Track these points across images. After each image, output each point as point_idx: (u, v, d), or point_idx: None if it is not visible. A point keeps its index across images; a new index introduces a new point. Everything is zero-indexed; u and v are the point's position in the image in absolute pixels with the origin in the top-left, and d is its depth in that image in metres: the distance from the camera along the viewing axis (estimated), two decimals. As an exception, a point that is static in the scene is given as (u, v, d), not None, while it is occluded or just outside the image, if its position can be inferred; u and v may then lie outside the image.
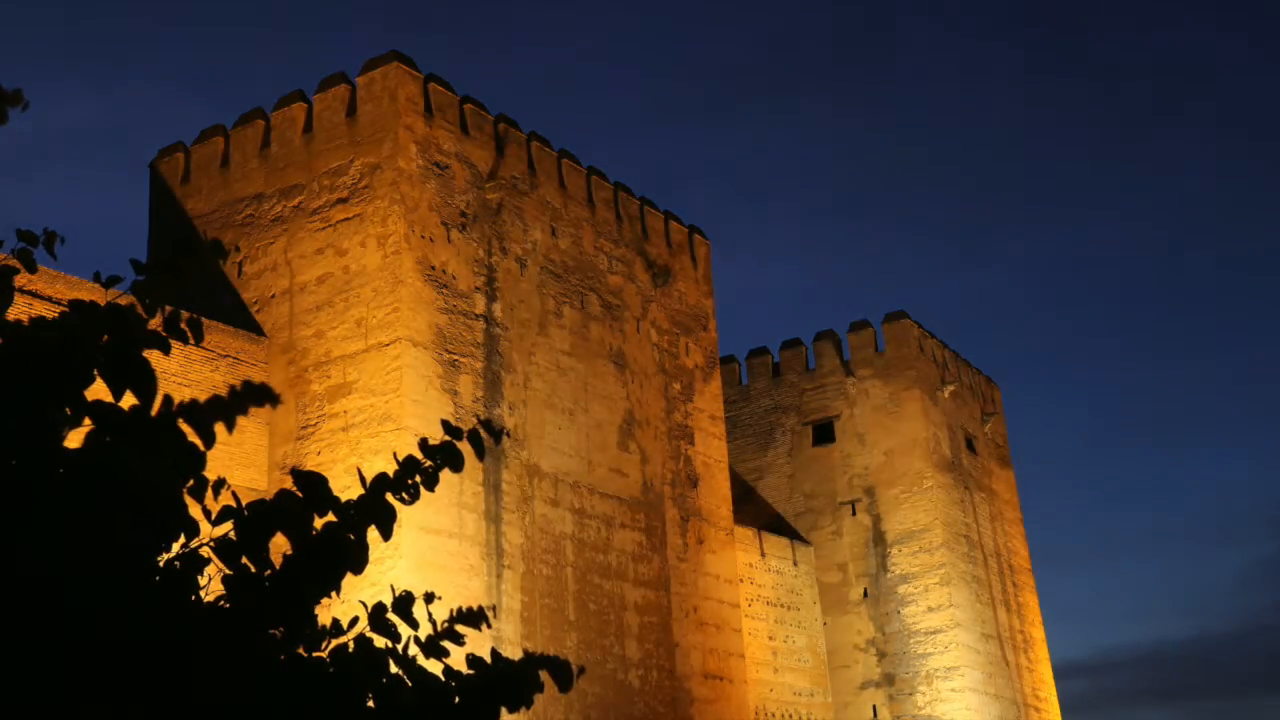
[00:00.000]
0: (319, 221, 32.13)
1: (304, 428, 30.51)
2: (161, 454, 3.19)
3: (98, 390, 3.11)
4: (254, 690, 3.16)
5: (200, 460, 3.26)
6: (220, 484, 3.36)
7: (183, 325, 3.38)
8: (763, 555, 44.93)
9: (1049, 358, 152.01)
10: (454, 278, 32.00)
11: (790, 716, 43.81)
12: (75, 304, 3.21)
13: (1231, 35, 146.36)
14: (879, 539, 47.19)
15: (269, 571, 3.34)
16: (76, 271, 26.35)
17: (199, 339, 3.42)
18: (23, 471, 3.02)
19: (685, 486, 38.14)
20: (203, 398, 3.40)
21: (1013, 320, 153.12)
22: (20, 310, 24.60)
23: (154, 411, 3.23)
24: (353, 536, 3.45)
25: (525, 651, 3.74)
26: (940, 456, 48.14)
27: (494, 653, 3.58)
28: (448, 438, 3.67)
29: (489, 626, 3.81)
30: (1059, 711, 51.94)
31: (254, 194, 33.50)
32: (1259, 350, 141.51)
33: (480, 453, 3.88)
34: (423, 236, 31.44)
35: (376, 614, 3.66)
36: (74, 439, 3.18)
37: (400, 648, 3.54)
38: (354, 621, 3.70)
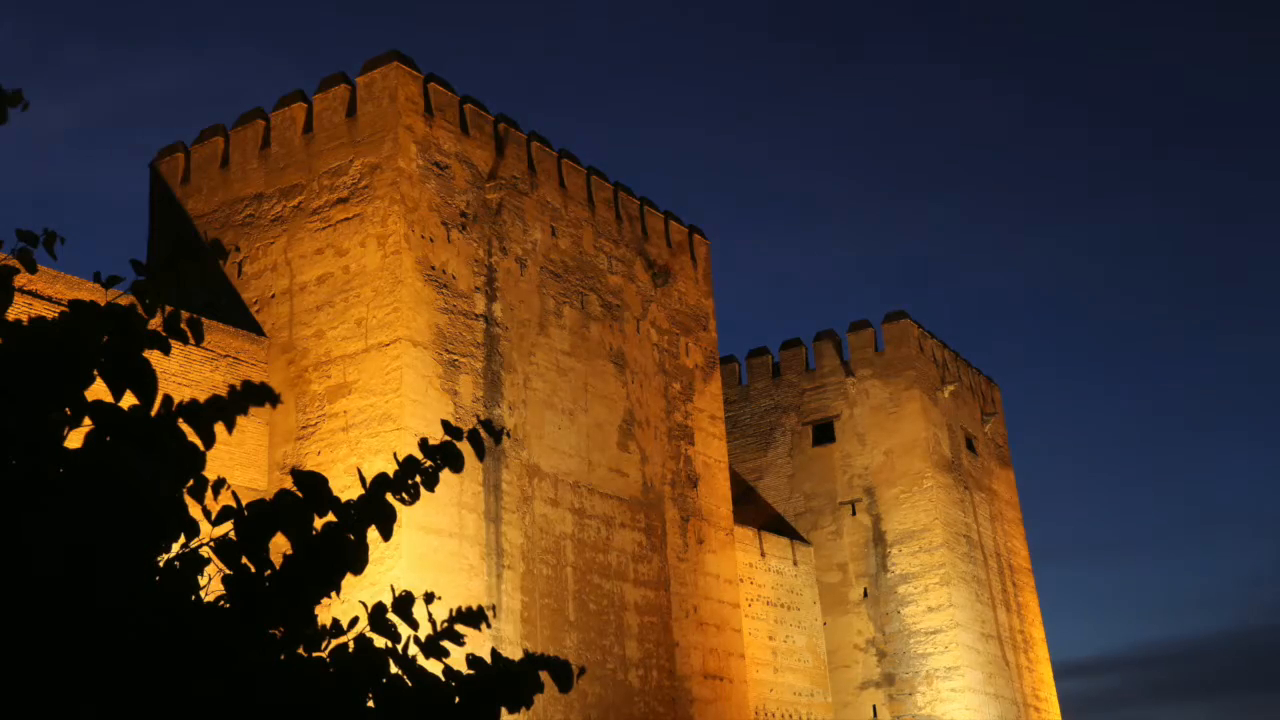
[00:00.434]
0: (319, 221, 32.14)
1: (304, 428, 30.51)
2: (161, 454, 3.19)
3: (98, 390, 3.11)
4: (254, 690, 3.16)
5: (200, 460, 3.26)
6: (220, 484, 3.36)
7: (183, 325, 3.38)
8: (763, 555, 44.93)
9: (1049, 358, 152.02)
10: (454, 278, 32.00)
11: (790, 716, 43.80)
12: (75, 304, 3.21)
13: (1233, 34, 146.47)
14: (879, 539, 47.19)
15: (269, 571, 3.34)
16: (88, 269, 26.36)
17: (199, 339, 3.42)
18: (23, 471, 3.02)
19: (685, 486, 38.14)
20: (203, 398, 3.41)
21: (1013, 320, 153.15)
22: (20, 310, 24.61)
23: (154, 411, 3.23)
24: (353, 537, 3.45)
25: (525, 651, 3.75)
26: (940, 456, 48.15)
27: (494, 653, 3.58)
28: (448, 438, 3.67)
29: (489, 626, 3.81)
30: (1059, 711, 51.95)
31: (254, 194, 33.50)
32: (1259, 347, 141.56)
33: (480, 453, 3.88)
34: (423, 236, 31.44)
35: (376, 614, 3.66)
36: (74, 439, 3.18)
37: (400, 648, 3.55)
38: (354, 621, 3.70)
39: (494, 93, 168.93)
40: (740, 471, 49.50)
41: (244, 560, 3.33)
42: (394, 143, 31.63)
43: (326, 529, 3.43)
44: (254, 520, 3.35)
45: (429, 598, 3.84)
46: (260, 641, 3.25)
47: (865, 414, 48.72)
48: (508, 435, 32.14)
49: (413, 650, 3.61)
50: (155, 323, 3.36)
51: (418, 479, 3.62)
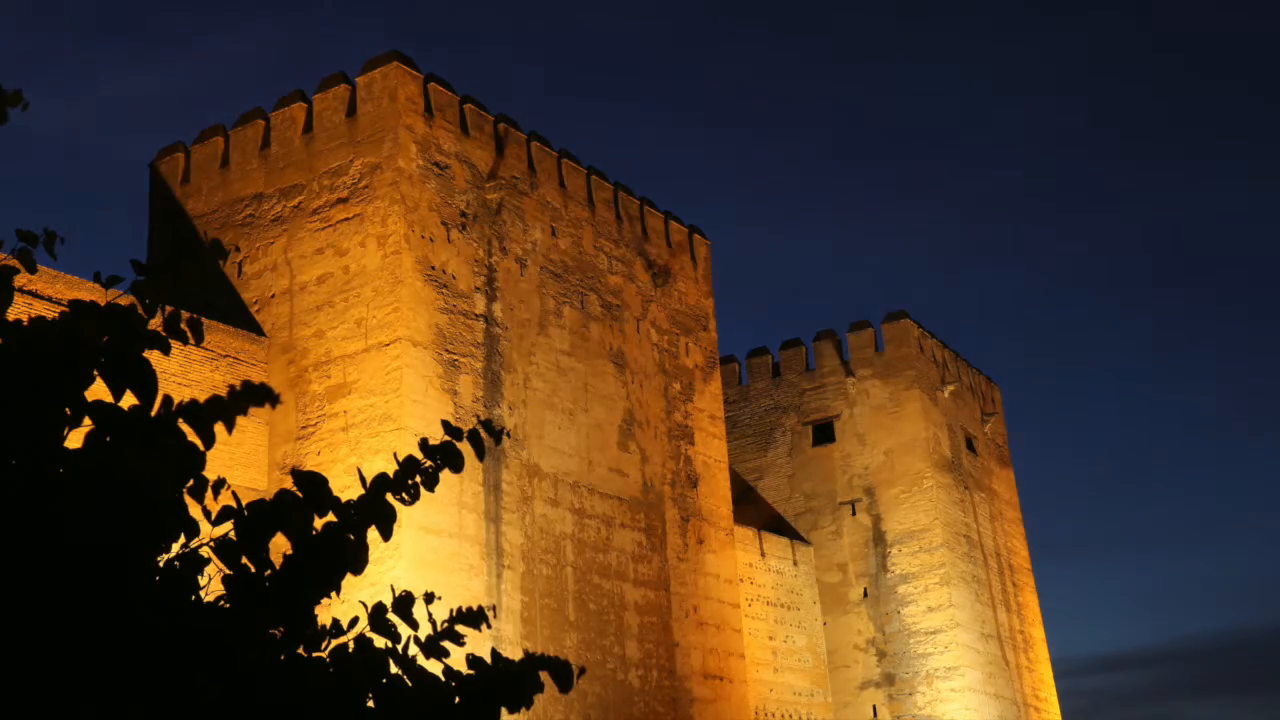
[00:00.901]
0: (319, 221, 32.14)
1: (304, 428, 30.52)
2: (161, 454, 3.19)
3: (98, 390, 3.11)
4: (254, 690, 3.16)
5: (200, 460, 3.26)
6: (220, 484, 3.37)
7: (183, 325, 3.38)
8: (763, 555, 44.94)
9: (1049, 358, 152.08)
10: (454, 278, 32.00)
11: (790, 716, 43.81)
12: (75, 304, 3.21)
13: (1233, 33, 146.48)
14: (879, 539, 47.20)
15: (269, 571, 3.34)
16: (84, 270, 26.37)
17: (199, 339, 3.42)
18: (23, 471, 3.02)
19: (685, 486, 38.15)
20: (203, 398, 3.41)
21: (1013, 320, 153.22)
22: (20, 310, 24.61)
23: (154, 412, 3.23)
24: (353, 537, 3.45)
25: (525, 651, 3.75)
26: (940, 456, 48.16)
27: (494, 653, 3.58)
28: (448, 438, 3.67)
29: (489, 627, 3.82)
30: (1059, 711, 51.96)
31: (254, 194, 33.51)
32: (1260, 347, 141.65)
33: (480, 453, 3.88)
34: (423, 236, 31.45)
35: (376, 614, 3.66)
36: (74, 439, 3.18)
37: (400, 648, 3.55)
38: (354, 621, 3.70)
39: (494, 93, 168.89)
40: (740, 471, 49.51)
41: (244, 560, 3.33)
42: (394, 143, 31.64)
43: (326, 529, 3.43)
44: (254, 520, 3.35)
45: (429, 598, 3.84)
46: (260, 641, 3.25)
47: (865, 414, 48.73)
48: (508, 435, 32.01)
49: (413, 650, 3.61)
50: (155, 323, 3.36)
51: (418, 479, 3.62)
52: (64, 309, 3.25)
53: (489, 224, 33.54)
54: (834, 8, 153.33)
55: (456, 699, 3.47)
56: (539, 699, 29.07)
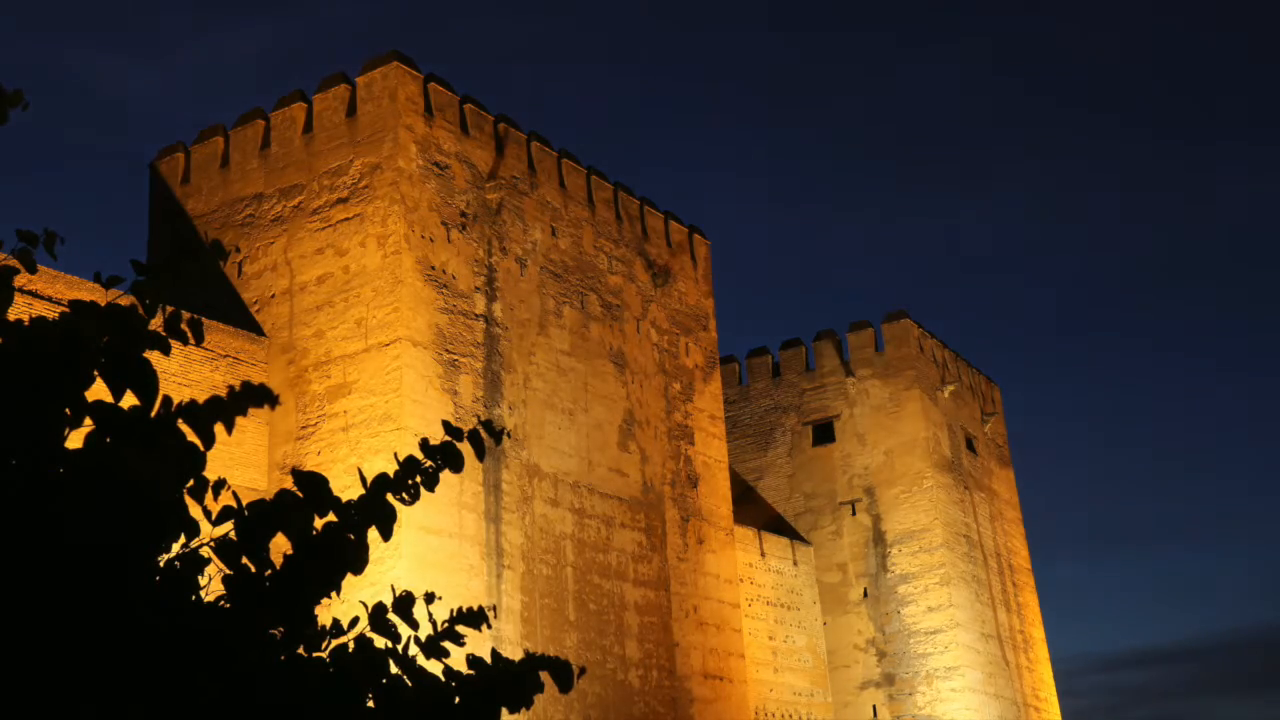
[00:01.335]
0: (319, 221, 32.14)
1: (304, 428, 30.52)
2: (161, 454, 3.19)
3: (98, 390, 3.11)
4: (254, 690, 3.16)
5: (200, 460, 3.26)
6: (220, 484, 3.37)
7: (183, 325, 3.38)
8: (763, 555, 44.94)
9: (1049, 358, 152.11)
10: (454, 278, 32.01)
11: (790, 716, 43.81)
12: (75, 304, 3.21)
13: (1236, 34, 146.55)
14: (879, 539, 47.20)
15: (269, 571, 3.34)
16: (84, 270, 26.37)
17: (199, 339, 3.42)
18: (23, 471, 3.02)
19: (685, 486, 38.15)
20: (202, 398, 3.41)
21: (1013, 320, 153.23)
22: (20, 310, 24.61)
23: (154, 412, 3.23)
24: (353, 536, 3.45)
25: (525, 651, 3.75)
26: (940, 456, 48.16)
27: (494, 653, 3.58)
28: (448, 438, 3.67)
29: (489, 627, 3.82)
30: (1059, 711, 51.96)
31: (254, 194, 33.51)
32: (1260, 347, 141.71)
33: (480, 453, 3.88)
34: (423, 236, 31.45)
35: (376, 614, 3.66)
36: (74, 439, 3.18)
37: (400, 648, 3.55)
38: (354, 621, 3.71)
39: (494, 93, 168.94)
40: (740, 471, 49.51)
41: (244, 560, 3.33)
42: (394, 143, 31.64)
43: (326, 529, 3.43)
44: (254, 520, 3.35)
45: (429, 598, 3.84)
46: (260, 641, 3.25)
47: (865, 414, 48.73)
48: (508, 435, 32.08)
49: (413, 650, 3.61)
50: (155, 323, 3.36)
51: (418, 479, 3.62)
52: (64, 309, 3.26)
53: (489, 224, 33.53)
54: (833, 5, 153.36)
55: (456, 699, 3.47)
56: (539, 699, 29.07)
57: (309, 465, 29.93)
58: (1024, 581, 52.45)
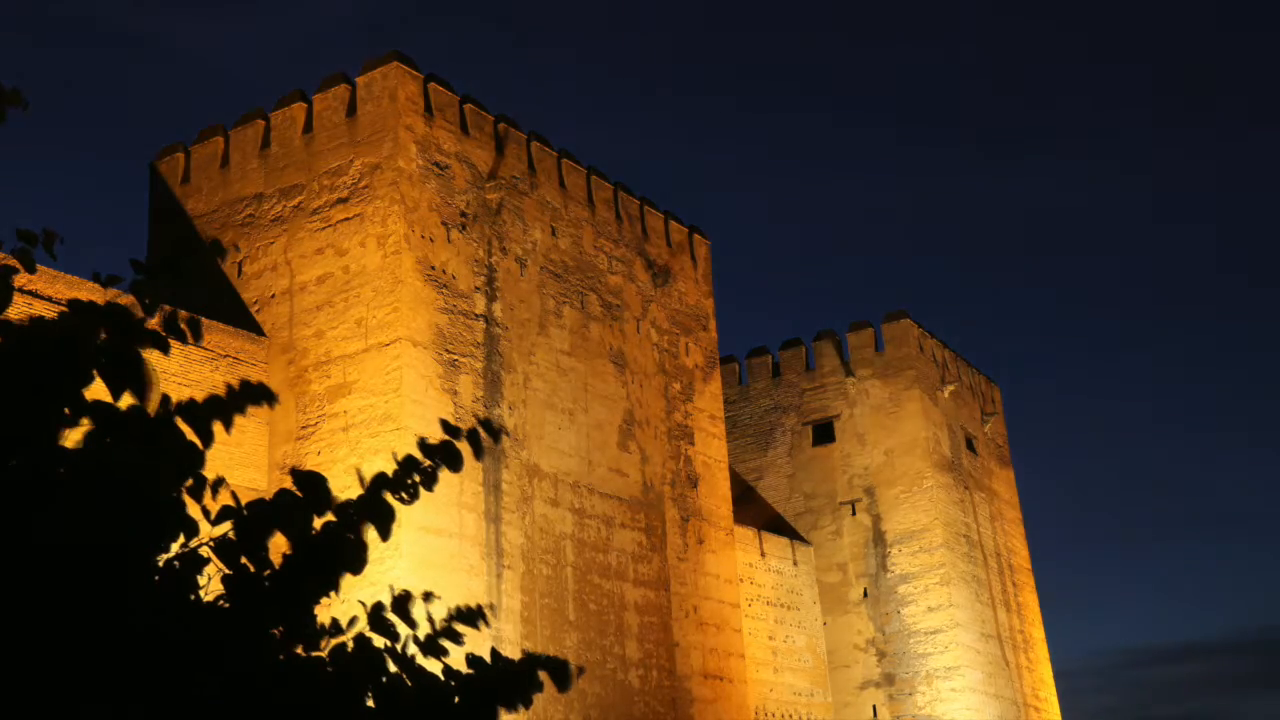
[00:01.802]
0: (319, 221, 32.13)
1: (304, 428, 30.51)
2: (161, 454, 3.19)
3: (97, 390, 3.11)
4: (254, 690, 3.16)
5: (199, 460, 3.26)
6: (220, 484, 3.37)
7: (182, 325, 3.38)
8: (763, 555, 44.93)
9: (1049, 358, 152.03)
10: (454, 278, 32.00)
11: (790, 716, 43.80)
12: (75, 304, 3.21)
13: (1235, 34, 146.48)
14: (879, 539, 47.19)
15: (269, 571, 3.35)
16: (84, 270, 26.36)
17: (199, 339, 3.42)
18: (23, 471, 3.02)
19: (685, 486, 38.14)
20: (202, 398, 3.41)
21: (1013, 320, 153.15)
22: (20, 310, 24.61)
23: (151, 409, 3.23)
24: (352, 536, 3.45)
25: (525, 651, 3.75)
26: (940, 456, 48.14)
27: (494, 653, 3.58)
28: (447, 437, 3.67)
29: (487, 625, 3.81)
30: (1059, 711, 51.95)
31: (254, 194, 33.50)
32: (1260, 346, 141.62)
33: (479, 453, 3.88)
34: (423, 236, 31.44)
35: (375, 614, 3.66)
36: (74, 439, 3.18)
37: (399, 647, 3.55)
38: (353, 621, 3.70)
39: (494, 93, 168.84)
40: (740, 471, 49.50)
41: (244, 560, 3.33)
42: (394, 143, 31.63)
43: (326, 529, 3.43)
44: (254, 520, 3.36)
45: (428, 597, 3.84)
46: (260, 641, 3.26)
47: (865, 414, 48.72)
48: (507, 435, 32.15)
49: (412, 650, 3.61)
50: (154, 322, 3.36)
51: (417, 479, 3.62)
52: (64, 309, 3.26)
53: (489, 224, 33.52)
54: (832, 5, 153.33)
55: (455, 699, 3.47)
56: (539, 699, 29.07)
57: (309, 465, 29.92)
58: (1024, 581, 52.43)
